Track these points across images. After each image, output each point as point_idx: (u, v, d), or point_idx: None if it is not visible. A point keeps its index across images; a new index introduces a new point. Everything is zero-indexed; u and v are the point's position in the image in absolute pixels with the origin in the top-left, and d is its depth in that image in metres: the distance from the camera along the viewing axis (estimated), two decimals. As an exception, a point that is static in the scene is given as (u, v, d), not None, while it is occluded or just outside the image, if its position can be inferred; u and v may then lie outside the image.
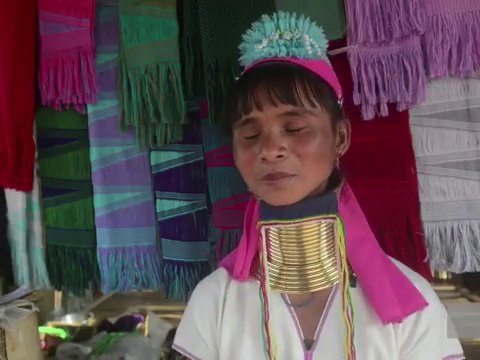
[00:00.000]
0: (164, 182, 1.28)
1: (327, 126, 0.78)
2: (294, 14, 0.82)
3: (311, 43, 0.80)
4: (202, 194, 1.27)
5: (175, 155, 1.28)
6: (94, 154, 1.31)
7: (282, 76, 0.76)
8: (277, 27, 0.80)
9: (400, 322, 0.77)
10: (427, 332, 0.78)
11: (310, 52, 0.79)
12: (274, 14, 0.82)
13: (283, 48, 0.79)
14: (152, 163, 1.29)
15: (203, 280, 0.95)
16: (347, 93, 1.11)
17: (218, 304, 0.87)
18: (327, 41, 0.85)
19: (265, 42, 0.80)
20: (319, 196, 0.80)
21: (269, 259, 0.84)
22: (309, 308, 0.81)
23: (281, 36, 0.80)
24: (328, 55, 0.88)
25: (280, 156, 0.74)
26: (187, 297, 1.24)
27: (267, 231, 0.82)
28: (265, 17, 0.82)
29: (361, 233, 0.83)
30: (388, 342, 0.77)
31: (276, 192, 0.76)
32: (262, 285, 0.80)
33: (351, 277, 0.80)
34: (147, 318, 3.60)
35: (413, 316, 0.78)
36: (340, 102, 0.84)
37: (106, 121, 1.31)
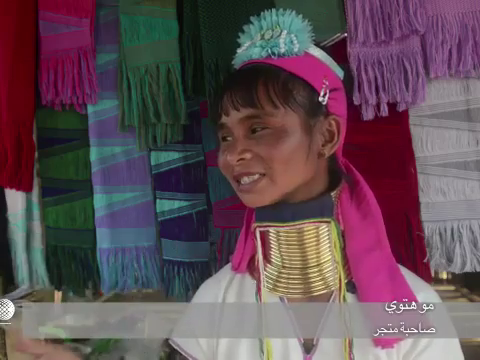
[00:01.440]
0: (164, 182, 1.28)
1: (296, 126, 0.75)
2: (280, 11, 0.80)
3: (290, 39, 0.77)
4: (202, 194, 1.27)
5: (175, 155, 1.28)
6: (94, 154, 1.31)
7: (245, 80, 0.76)
8: (260, 28, 0.80)
9: (392, 347, 0.74)
10: (430, 344, 0.76)
11: (282, 50, 0.77)
12: (261, 14, 0.81)
13: (257, 50, 0.78)
14: (152, 163, 1.29)
15: (208, 279, 0.96)
16: (347, 93, 1.11)
17: (217, 305, 0.87)
18: (311, 34, 0.81)
19: (246, 45, 0.81)
20: (313, 199, 0.79)
21: (269, 261, 0.83)
22: (308, 311, 0.80)
23: (263, 36, 0.79)
24: (321, 47, 0.85)
25: (242, 159, 0.75)
26: (187, 297, 1.25)
27: (265, 233, 0.82)
28: (253, 19, 0.82)
29: (369, 242, 0.80)
30: (389, 350, 0.75)
31: (247, 195, 0.77)
32: (258, 288, 0.80)
33: (350, 283, 0.79)
34: (147, 318, 3.60)
35: None
36: (323, 98, 0.78)
37: (106, 121, 1.31)
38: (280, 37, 0.78)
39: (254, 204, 0.78)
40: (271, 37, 0.78)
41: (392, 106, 1.13)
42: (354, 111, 1.11)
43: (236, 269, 0.88)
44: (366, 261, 0.79)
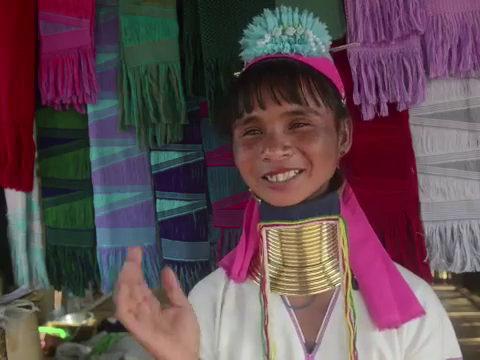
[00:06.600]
0: (164, 182, 1.28)
1: (331, 125, 0.77)
2: (297, 9, 0.79)
3: (315, 40, 0.78)
4: (202, 194, 1.26)
5: (175, 155, 1.28)
6: (94, 154, 1.31)
7: (286, 74, 0.73)
8: (280, 22, 0.78)
9: (397, 328, 0.76)
10: (430, 338, 0.77)
11: (314, 49, 0.77)
12: (276, 9, 0.79)
13: (287, 44, 0.77)
14: (152, 163, 1.29)
15: (200, 282, 0.93)
16: (347, 93, 1.11)
17: (216, 306, 0.86)
18: (330, 38, 0.83)
19: (268, 38, 0.78)
20: (321, 197, 0.79)
21: (268, 260, 0.82)
22: (310, 311, 0.80)
23: (284, 32, 0.77)
24: (330, 52, 0.86)
25: (285, 155, 0.72)
26: (187, 297, 1.24)
27: (267, 232, 0.81)
28: (267, 11, 0.80)
29: (362, 234, 0.82)
30: (391, 345, 0.77)
31: (280, 193, 0.74)
32: (262, 288, 0.78)
33: (353, 279, 0.78)
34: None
35: (416, 321, 0.77)
36: (343, 101, 0.83)
37: (106, 121, 1.31)
38: (307, 36, 0.77)
39: (286, 202, 0.75)
40: (294, 34, 0.77)
41: (392, 106, 1.13)
42: (354, 111, 1.12)
43: (236, 278, 0.86)
44: (362, 251, 0.80)
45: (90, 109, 1.31)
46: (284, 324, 0.80)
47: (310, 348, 0.79)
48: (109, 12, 1.30)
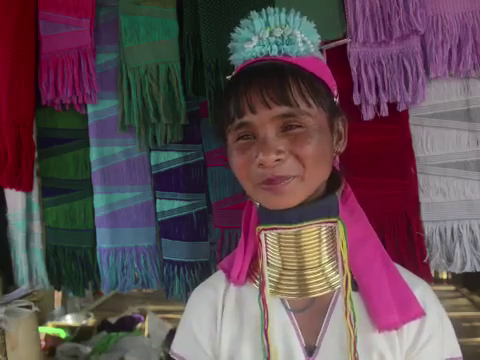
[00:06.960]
0: (164, 182, 1.29)
1: (324, 125, 0.76)
2: (284, 9, 0.78)
3: (303, 39, 0.77)
4: (202, 194, 1.27)
5: (175, 155, 1.28)
6: (94, 154, 1.31)
7: (275, 76, 0.73)
8: (267, 24, 0.77)
9: (396, 329, 0.76)
10: (430, 338, 0.77)
11: (302, 49, 0.76)
12: (263, 10, 0.78)
13: (274, 46, 0.76)
14: (152, 163, 1.29)
15: (200, 286, 0.92)
16: (347, 93, 1.11)
17: (217, 311, 0.85)
18: (319, 36, 0.82)
19: (255, 40, 0.77)
20: (319, 199, 0.78)
21: (267, 263, 0.82)
22: (310, 313, 0.80)
23: (271, 33, 0.77)
24: (321, 50, 0.85)
25: (278, 160, 0.72)
26: (187, 297, 1.24)
27: (265, 235, 0.80)
28: (254, 14, 0.79)
29: (361, 233, 0.82)
30: (392, 346, 0.76)
31: (276, 196, 0.73)
32: (261, 292, 0.78)
33: (353, 281, 0.78)
34: (147, 318, 3.61)
35: (416, 322, 0.77)
36: (336, 99, 0.82)
37: (106, 121, 1.31)
38: (295, 36, 0.77)
39: (282, 206, 0.75)
40: (282, 35, 0.77)
41: (392, 106, 1.13)
42: (354, 111, 1.12)
43: (235, 281, 0.85)
44: (361, 251, 0.80)
45: (90, 109, 1.31)
46: (284, 327, 0.80)
47: (310, 351, 0.78)
48: (109, 12, 1.30)
